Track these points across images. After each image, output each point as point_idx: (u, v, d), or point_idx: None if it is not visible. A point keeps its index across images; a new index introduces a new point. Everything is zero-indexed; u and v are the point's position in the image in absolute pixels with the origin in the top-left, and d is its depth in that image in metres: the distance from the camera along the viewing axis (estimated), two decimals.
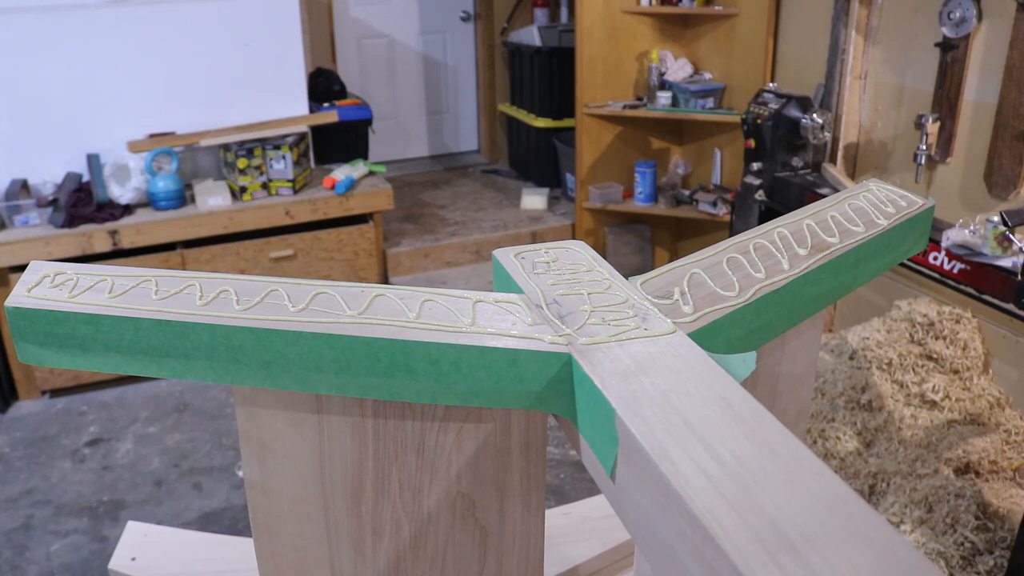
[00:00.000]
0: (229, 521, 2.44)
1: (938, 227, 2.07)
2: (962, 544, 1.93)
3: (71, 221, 3.15)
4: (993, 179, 2.41)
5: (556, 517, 1.29)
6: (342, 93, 4.22)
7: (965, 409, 2.38)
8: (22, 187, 3.24)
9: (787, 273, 0.72)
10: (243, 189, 3.42)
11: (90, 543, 2.36)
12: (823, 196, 1.37)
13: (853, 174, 3.00)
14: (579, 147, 3.96)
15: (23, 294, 0.67)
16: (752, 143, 2.86)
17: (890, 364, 2.52)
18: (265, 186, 3.47)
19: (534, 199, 4.54)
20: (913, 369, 2.48)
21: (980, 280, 1.97)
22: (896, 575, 0.39)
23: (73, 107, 3.33)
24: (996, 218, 1.91)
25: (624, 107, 3.77)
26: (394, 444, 0.67)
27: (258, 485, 0.69)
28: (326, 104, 4.02)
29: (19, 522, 2.45)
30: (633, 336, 0.61)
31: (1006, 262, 1.92)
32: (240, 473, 2.67)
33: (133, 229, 3.20)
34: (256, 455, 0.68)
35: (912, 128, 2.66)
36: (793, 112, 2.77)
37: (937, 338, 2.52)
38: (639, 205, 3.93)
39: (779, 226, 0.80)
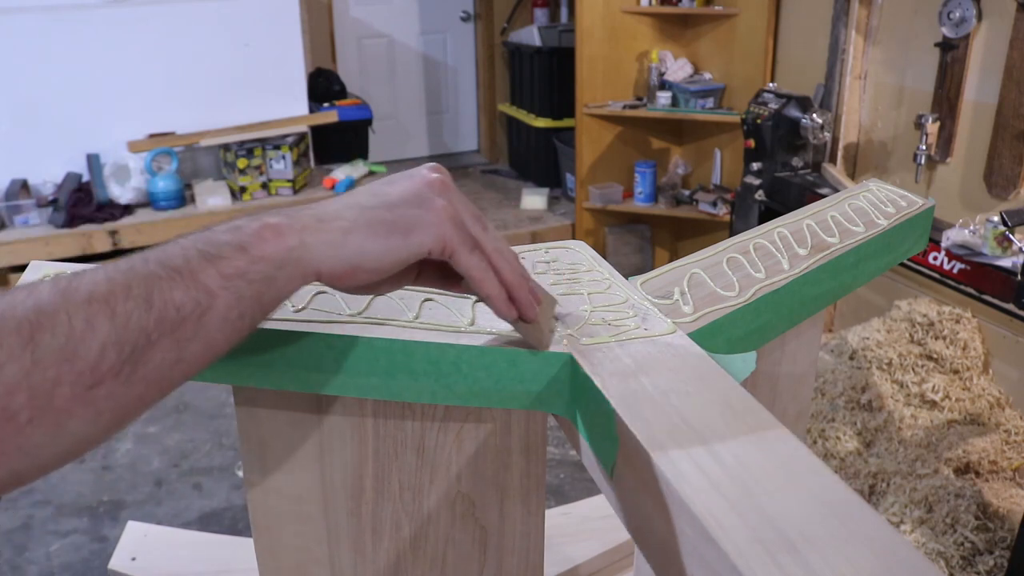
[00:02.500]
0: (229, 521, 2.44)
1: (938, 227, 2.07)
2: (962, 544, 1.93)
3: (71, 221, 3.15)
4: (993, 179, 2.41)
5: (556, 517, 1.29)
6: (342, 93, 4.22)
7: (965, 409, 2.38)
8: (22, 187, 3.24)
9: (787, 273, 0.72)
10: (243, 189, 3.42)
11: (90, 543, 2.37)
12: (823, 196, 1.37)
13: (853, 174, 3.00)
14: (579, 147, 3.96)
15: None
16: (752, 143, 2.86)
17: (890, 364, 2.52)
18: (265, 186, 3.47)
19: (534, 199, 4.54)
20: (913, 369, 2.48)
21: (980, 280, 1.97)
22: (896, 575, 0.39)
23: (73, 107, 3.33)
24: (996, 218, 1.91)
25: (624, 107, 3.78)
26: (394, 444, 0.67)
27: (258, 485, 0.69)
28: (326, 104, 4.02)
29: (19, 522, 2.45)
30: (633, 336, 0.61)
31: (1006, 262, 1.92)
32: (240, 473, 2.67)
33: (133, 229, 3.20)
34: (256, 455, 0.68)
35: (912, 128, 2.66)
36: (793, 112, 2.77)
37: (937, 338, 2.52)
38: (639, 205, 3.93)
39: (779, 226, 0.80)
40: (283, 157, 3.46)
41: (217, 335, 0.46)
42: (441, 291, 0.63)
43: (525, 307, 0.57)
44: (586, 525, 1.26)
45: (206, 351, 0.46)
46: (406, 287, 0.59)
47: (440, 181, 0.53)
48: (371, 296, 0.66)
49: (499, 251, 0.55)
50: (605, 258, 0.77)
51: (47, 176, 3.30)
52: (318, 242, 0.49)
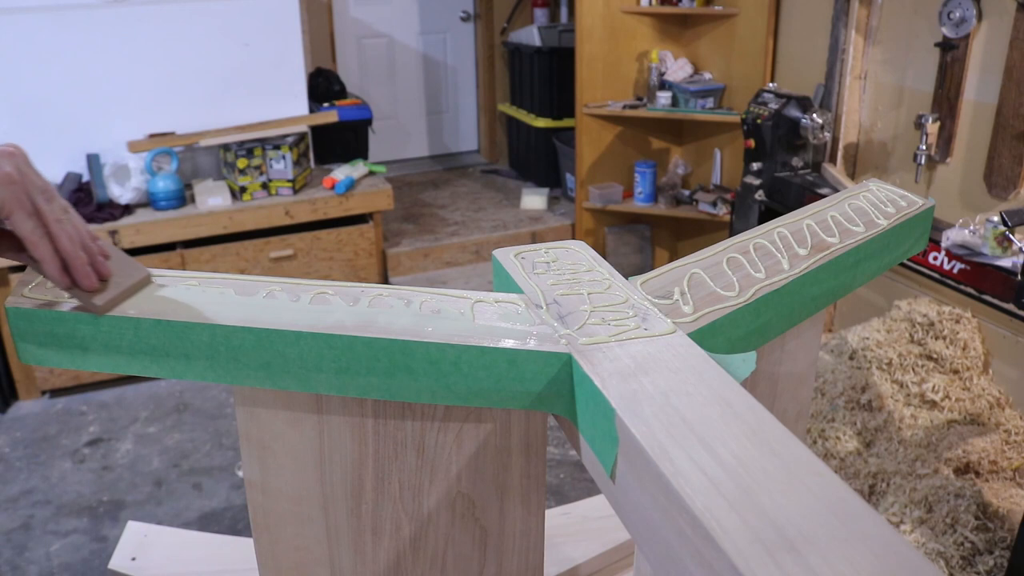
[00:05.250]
0: (229, 521, 2.44)
1: (938, 227, 2.07)
2: (962, 544, 1.93)
3: None
4: (993, 179, 2.41)
5: (556, 517, 1.29)
6: (342, 93, 4.22)
7: (965, 409, 2.38)
8: None
9: (787, 273, 0.72)
10: (243, 189, 3.42)
11: (90, 543, 2.37)
12: (823, 196, 1.37)
13: (853, 174, 3.00)
14: (579, 147, 3.96)
15: (23, 294, 0.67)
16: (752, 143, 2.86)
17: (890, 364, 2.52)
18: (265, 186, 3.47)
19: (534, 199, 4.54)
20: (913, 369, 2.48)
21: (980, 280, 1.97)
22: (896, 575, 0.39)
23: (73, 107, 3.33)
24: (996, 218, 1.91)
25: (624, 107, 3.77)
26: (394, 444, 0.67)
27: (258, 485, 0.69)
28: (326, 104, 4.02)
29: (19, 522, 2.45)
30: (633, 336, 0.61)
31: (1006, 262, 1.92)
32: (240, 473, 2.67)
33: (133, 229, 3.20)
34: (256, 455, 0.68)
35: (912, 128, 2.66)
36: (793, 112, 2.77)
37: (937, 338, 2.52)
38: (639, 205, 3.93)
39: (779, 226, 0.80)
40: (283, 157, 3.46)
41: None
42: (22, 263, 0.67)
43: (79, 277, 0.63)
44: (586, 525, 1.26)
45: None
46: (406, 287, 0.60)
47: (11, 153, 0.61)
48: (371, 296, 0.66)
49: (60, 222, 0.61)
50: (605, 258, 0.77)
51: (47, 176, 3.29)
52: None
